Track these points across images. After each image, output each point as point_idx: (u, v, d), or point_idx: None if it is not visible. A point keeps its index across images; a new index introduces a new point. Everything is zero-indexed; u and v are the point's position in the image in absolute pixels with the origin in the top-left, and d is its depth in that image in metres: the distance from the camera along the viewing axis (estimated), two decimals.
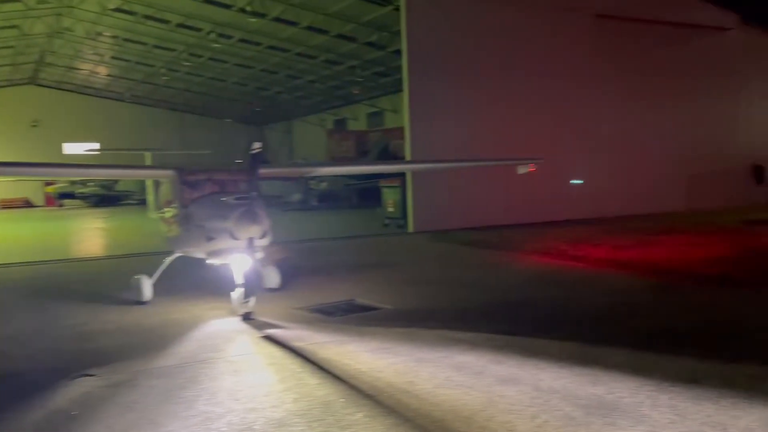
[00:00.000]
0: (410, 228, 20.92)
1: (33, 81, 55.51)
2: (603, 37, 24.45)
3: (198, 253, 9.76)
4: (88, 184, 52.73)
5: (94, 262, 16.86)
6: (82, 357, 7.43)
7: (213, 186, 10.25)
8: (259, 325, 8.75)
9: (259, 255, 9.34)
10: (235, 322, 8.94)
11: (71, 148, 57.61)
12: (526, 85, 22.79)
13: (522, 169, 14.26)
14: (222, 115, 59.94)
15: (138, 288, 10.27)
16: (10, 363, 7.47)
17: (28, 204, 56.98)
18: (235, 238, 8.77)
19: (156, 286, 10.47)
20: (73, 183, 52.61)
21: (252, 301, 8.97)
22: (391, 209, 22.23)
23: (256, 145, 8.79)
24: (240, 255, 8.84)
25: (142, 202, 50.05)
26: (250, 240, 8.71)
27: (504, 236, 18.38)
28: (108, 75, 49.89)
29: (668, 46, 26.57)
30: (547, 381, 6.20)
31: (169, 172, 10.27)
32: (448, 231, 19.99)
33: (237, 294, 9.23)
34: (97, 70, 48.80)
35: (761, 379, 6.16)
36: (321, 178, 34.38)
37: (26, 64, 48.39)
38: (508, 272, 13.14)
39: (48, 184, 53.43)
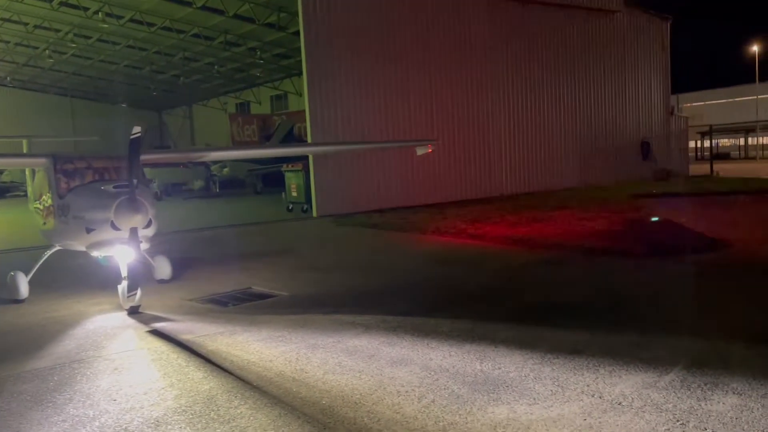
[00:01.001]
0: (314, 213, 20.68)
1: None
2: (498, 18, 24.96)
3: (78, 246, 9.17)
4: None
5: None
6: None
7: (93, 174, 9.64)
8: (146, 319, 8.35)
9: (145, 245, 8.88)
10: (121, 318, 8.49)
11: None
12: (426, 65, 22.95)
13: (421, 150, 14.33)
14: (116, 100, 57.11)
15: (12, 285, 9.56)
16: None
17: None
18: (117, 229, 8.28)
19: (35, 283, 9.79)
20: None
21: (138, 294, 8.53)
22: (294, 194, 21.89)
23: (136, 130, 8.30)
24: (123, 246, 8.36)
25: None
26: (133, 230, 8.25)
27: (406, 218, 18.50)
28: None
29: (561, 29, 27.50)
30: (437, 360, 6.23)
31: (43, 160, 9.56)
32: (353, 214, 19.92)
33: (122, 287, 8.77)
34: None
35: (640, 346, 6.43)
36: (223, 164, 33.44)
37: None
38: (408, 253, 13.22)
39: None
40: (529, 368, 5.91)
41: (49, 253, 9.95)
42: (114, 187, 8.52)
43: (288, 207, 22.29)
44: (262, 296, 9.63)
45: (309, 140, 20.63)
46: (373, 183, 21.28)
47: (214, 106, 52.59)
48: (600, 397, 5.18)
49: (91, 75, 48.33)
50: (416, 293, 9.37)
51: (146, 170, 33.47)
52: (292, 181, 21.78)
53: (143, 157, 10.35)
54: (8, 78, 51.33)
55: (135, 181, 8.28)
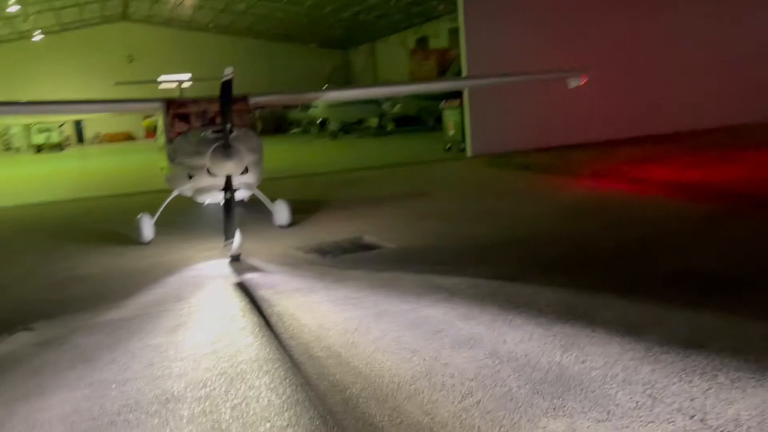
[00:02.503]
0: (468, 152, 19.54)
1: (123, 17, 56.76)
2: None
3: (186, 192, 9.20)
4: None
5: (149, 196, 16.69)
6: (43, 307, 7.10)
7: (205, 119, 9.55)
8: (241, 269, 8.13)
9: (244, 193, 8.63)
10: (220, 266, 8.37)
11: (166, 81, 59.39)
12: None
13: (573, 83, 12.54)
14: (306, 41, 59.14)
15: (137, 228, 9.91)
16: None
17: (129, 138, 59.67)
18: (212, 176, 8.07)
19: (170, 224, 10.12)
20: None
21: (236, 242, 8.32)
22: (451, 132, 20.86)
23: (227, 72, 7.90)
24: (221, 193, 8.14)
25: None
26: (228, 177, 7.98)
27: (566, 158, 16.67)
28: (191, 6, 50.08)
29: None
30: (511, 344, 5.14)
31: (157, 105, 9.65)
32: (509, 153, 18.47)
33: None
34: (180, 1, 49.08)
35: None
36: (394, 101, 33.07)
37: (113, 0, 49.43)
38: (547, 201, 11.75)
39: (145, 117, 55.47)
40: (622, 366, 4.61)
41: (170, 198, 10.17)
42: (212, 133, 8.28)
43: (446, 146, 21.35)
44: (368, 247, 9.00)
45: (463, 73, 19.32)
46: (532, 120, 19.45)
47: (394, 42, 52.27)
48: (702, 421, 3.82)
49: (281, 17, 50.28)
50: (531, 251, 8.13)
51: (326, 108, 34.60)
52: (450, 119, 20.74)
53: (257, 99, 10.08)
54: (210, 24, 55.25)
55: (229, 126, 7.94)
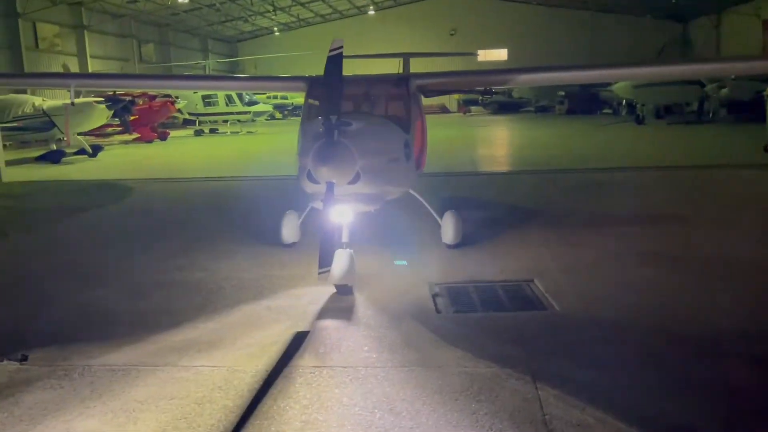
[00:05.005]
0: None
1: None
2: None
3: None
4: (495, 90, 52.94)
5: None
6: (79, 323, 5.90)
7: (354, 103, 7.55)
8: (331, 309, 6.04)
9: (363, 207, 6.45)
10: (321, 296, 6.37)
11: (483, 55, 58.89)
12: None
13: None
14: (639, 12, 52.81)
15: (281, 226, 8.38)
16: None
17: (444, 109, 60.89)
18: (314, 182, 6.09)
19: None
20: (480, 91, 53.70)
21: (342, 268, 6.26)
22: None
23: (336, 44, 5.75)
24: (330, 204, 6.09)
25: (543, 110, 48.41)
26: (330, 185, 5.92)
27: None
28: None
29: None
30: None
31: (299, 84, 7.91)
32: None
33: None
34: None
35: None
36: (720, 83, 26.88)
37: None
38: None
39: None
40: None
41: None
42: (323, 124, 6.25)
43: (765, 146, 16.00)
44: (526, 302, 6.12)
45: None
46: None
47: (746, 12, 43.37)
48: None
49: None
50: None
51: (632, 88, 29.60)
52: None
53: (423, 82, 7.74)
54: None
55: (334, 117, 5.82)
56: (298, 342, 5.24)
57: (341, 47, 5.75)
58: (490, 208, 10.85)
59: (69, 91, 8.54)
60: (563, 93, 45.00)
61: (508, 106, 51.02)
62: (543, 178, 14.73)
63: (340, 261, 6.44)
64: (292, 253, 8.06)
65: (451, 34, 60.36)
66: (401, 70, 12.66)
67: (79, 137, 23.01)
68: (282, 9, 53.23)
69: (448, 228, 8.01)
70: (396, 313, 5.88)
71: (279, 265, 7.54)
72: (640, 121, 29.55)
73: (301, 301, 6.27)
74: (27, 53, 34.69)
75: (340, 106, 5.88)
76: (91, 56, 40.53)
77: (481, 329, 5.43)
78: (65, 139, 21.57)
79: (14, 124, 21.67)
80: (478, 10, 58.88)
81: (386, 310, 5.97)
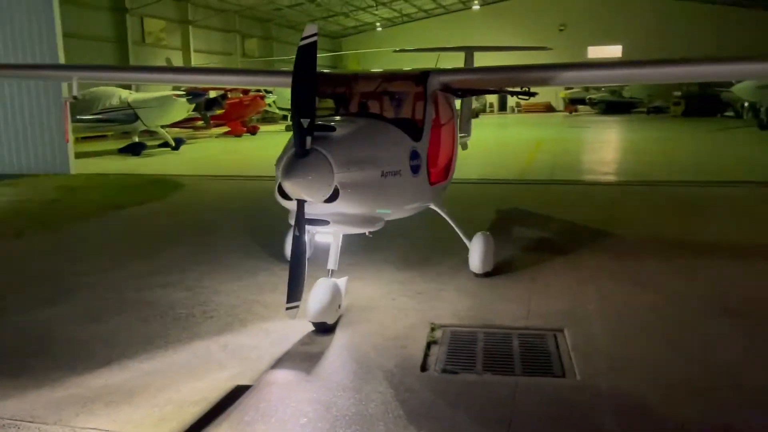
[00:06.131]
0: None
1: None
2: None
3: None
4: (601, 89, 49.77)
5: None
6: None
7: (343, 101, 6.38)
8: (285, 357, 4.92)
9: (342, 229, 5.29)
10: (287, 334, 5.29)
11: (595, 52, 55.56)
12: None
13: None
14: None
15: (285, 242, 7.32)
16: None
17: (549, 109, 58.17)
18: (285, 197, 5.00)
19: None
20: (586, 89, 50.62)
21: (320, 304, 5.20)
22: None
23: (309, 31, 4.63)
24: (301, 225, 5.00)
25: (657, 111, 44.86)
26: (300, 203, 4.83)
27: None
28: None
29: None
30: None
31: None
32: None
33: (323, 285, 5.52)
34: None
35: None
36: None
37: None
38: None
39: (566, 88, 52.80)
40: None
41: None
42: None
43: None
44: (538, 360, 4.74)
45: None
46: None
47: None
48: None
49: None
50: None
51: (755, 89, 26.20)
52: None
53: (446, 79, 6.46)
54: None
55: (306, 122, 4.68)
56: (228, 401, 4.18)
57: (315, 34, 4.61)
58: (550, 226, 9.34)
59: (71, 84, 7.90)
60: (679, 93, 41.47)
61: (617, 106, 47.83)
62: (629, 190, 12.90)
63: (318, 294, 5.35)
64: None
65: (561, 30, 57.41)
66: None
67: (161, 130, 23.25)
68: (384, 4, 52.60)
69: (477, 253, 6.68)
70: (370, 366, 4.68)
71: (270, 288, 6.51)
72: (764, 126, 26.28)
73: (267, 339, 5.20)
74: (133, 47, 35.98)
75: (314, 106, 4.73)
76: (194, 50, 41.62)
77: (465, 402, 4.13)
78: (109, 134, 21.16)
79: (101, 116, 22.12)
80: (590, 3, 55.56)
81: (360, 361, 4.79)
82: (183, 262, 7.49)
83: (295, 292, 4.86)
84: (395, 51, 14.31)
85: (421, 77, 6.17)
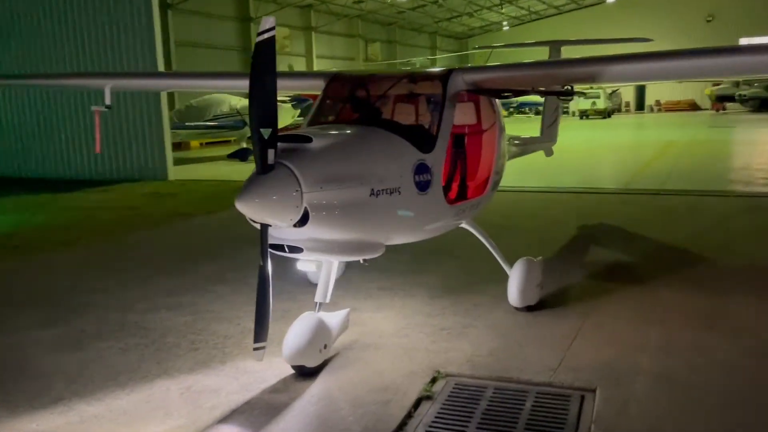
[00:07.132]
0: None
1: None
2: None
3: None
4: (754, 84, 44.94)
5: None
6: None
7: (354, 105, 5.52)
8: (243, 407, 4.19)
9: (324, 257, 4.49)
10: (259, 378, 4.57)
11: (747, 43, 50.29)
12: None
13: None
14: None
15: None
16: None
17: (694, 107, 53.75)
18: (250, 220, 4.27)
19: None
20: (736, 84, 45.91)
21: (288, 342, 4.48)
22: None
23: (266, 24, 3.88)
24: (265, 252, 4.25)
25: None
26: (264, 227, 4.11)
27: None
28: None
29: None
30: None
31: (320, 81, 5.95)
32: None
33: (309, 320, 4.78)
34: None
35: None
36: None
37: None
38: None
39: (714, 84, 48.30)
40: None
41: None
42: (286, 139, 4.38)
43: None
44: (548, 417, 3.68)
45: None
46: None
47: None
48: None
49: None
50: None
51: None
52: None
53: (475, 77, 5.45)
54: None
55: (267, 132, 3.92)
56: None
57: (272, 28, 3.86)
58: (633, 247, 7.94)
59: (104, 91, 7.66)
60: None
61: None
62: (753, 204, 10.92)
63: (296, 333, 4.60)
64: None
65: (708, 21, 52.69)
66: None
67: None
68: (510, 2, 50.81)
69: (516, 283, 5.60)
70: (334, 428, 3.85)
71: (278, 315, 5.78)
72: None
73: (236, 382, 4.51)
74: None
75: (275, 114, 3.98)
76: (317, 56, 42.36)
77: None
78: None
79: (212, 123, 22.76)
80: None
81: (325, 420, 3.96)
82: (207, 281, 7.01)
83: (260, 331, 4.14)
84: (475, 49, 13.21)
85: (440, 77, 5.20)
